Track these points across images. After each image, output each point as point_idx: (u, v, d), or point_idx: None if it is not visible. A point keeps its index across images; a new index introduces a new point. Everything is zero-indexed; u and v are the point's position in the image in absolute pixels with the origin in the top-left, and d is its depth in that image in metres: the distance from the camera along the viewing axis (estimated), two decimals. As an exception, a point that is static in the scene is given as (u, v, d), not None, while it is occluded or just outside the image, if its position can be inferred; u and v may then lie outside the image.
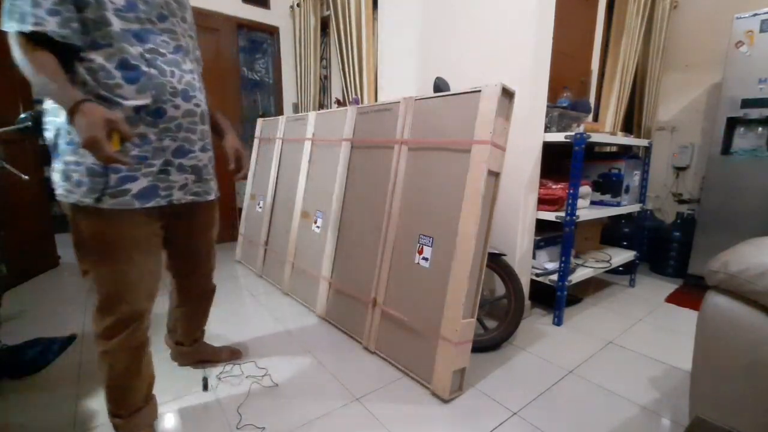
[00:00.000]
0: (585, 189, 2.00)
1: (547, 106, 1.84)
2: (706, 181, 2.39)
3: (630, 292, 2.35)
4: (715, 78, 2.60)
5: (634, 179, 2.25)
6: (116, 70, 0.86)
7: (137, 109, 0.89)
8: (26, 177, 1.55)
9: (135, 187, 0.92)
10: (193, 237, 1.21)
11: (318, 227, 2.08)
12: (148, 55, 0.90)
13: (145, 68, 0.89)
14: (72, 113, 0.75)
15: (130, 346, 1.01)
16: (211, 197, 1.16)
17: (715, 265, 0.94)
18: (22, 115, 1.24)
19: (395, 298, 1.56)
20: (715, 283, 0.94)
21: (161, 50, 0.93)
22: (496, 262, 1.65)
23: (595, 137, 1.83)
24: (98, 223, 0.91)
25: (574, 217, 1.77)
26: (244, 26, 3.47)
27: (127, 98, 0.88)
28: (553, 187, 1.88)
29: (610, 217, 2.73)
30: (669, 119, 2.92)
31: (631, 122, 3.00)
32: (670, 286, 2.45)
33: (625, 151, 2.51)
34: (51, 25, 0.79)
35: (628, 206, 2.20)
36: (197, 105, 1.01)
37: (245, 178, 1.34)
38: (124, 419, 1.04)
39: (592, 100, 2.88)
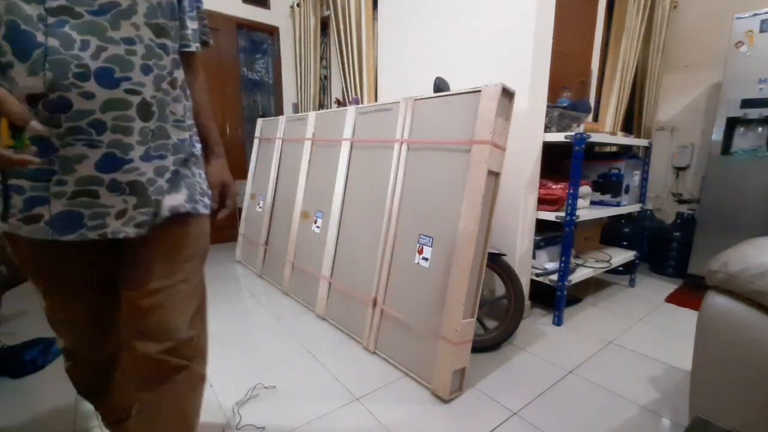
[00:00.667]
0: (585, 189, 2.00)
1: (547, 106, 1.84)
2: (706, 181, 2.39)
3: (630, 292, 2.35)
4: (715, 78, 2.60)
5: (634, 179, 2.25)
6: (4, 41, 0.59)
7: (32, 100, 0.60)
8: None
9: (46, 212, 0.65)
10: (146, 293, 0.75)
11: (318, 227, 2.08)
12: (51, 19, 0.59)
13: (41, 37, 0.59)
14: None
15: (85, 370, 0.88)
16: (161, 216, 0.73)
17: (715, 265, 0.94)
18: None
19: (395, 298, 1.56)
20: (715, 283, 0.94)
21: (76, 9, 0.61)
22: (496, 262, 1.65)
23: (595, 137, 1.84)
24: (21, 253, 0.73)
25: (574, 217, 1.77)
26: (244, 26, 3.46)
27: (17, 83, 0.59)
28: (553, 187, 1.88)
29: (610, 217, 2.73)
30: (669, 119, 2.92)
31: (631, 122, 3.00)
32: (670, 286, 2.45)
33: (625, 151, 2.51)
34: None
35: (628, 206, 2.20)
36: (132, 92, 0.65)
37: (226, 215, 0.94)
38: (109, 424, 0.99)
39: (592, 100, 2.88)
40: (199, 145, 0.84)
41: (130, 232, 0.70)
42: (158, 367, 0.78)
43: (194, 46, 0.83)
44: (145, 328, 0.76)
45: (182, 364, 0.80)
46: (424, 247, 1.47)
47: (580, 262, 2.14)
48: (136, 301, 0.75)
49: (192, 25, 0.82)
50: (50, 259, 0.73)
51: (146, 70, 0.68)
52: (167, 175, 0.73)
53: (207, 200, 0.83)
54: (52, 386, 1.39)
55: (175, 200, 0.75)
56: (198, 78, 0.88)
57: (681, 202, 2.89)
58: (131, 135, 0.67)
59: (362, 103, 2.73)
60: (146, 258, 0.76)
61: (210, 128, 0.90)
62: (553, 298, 1.88)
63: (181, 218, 0.77)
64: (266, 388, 1.38)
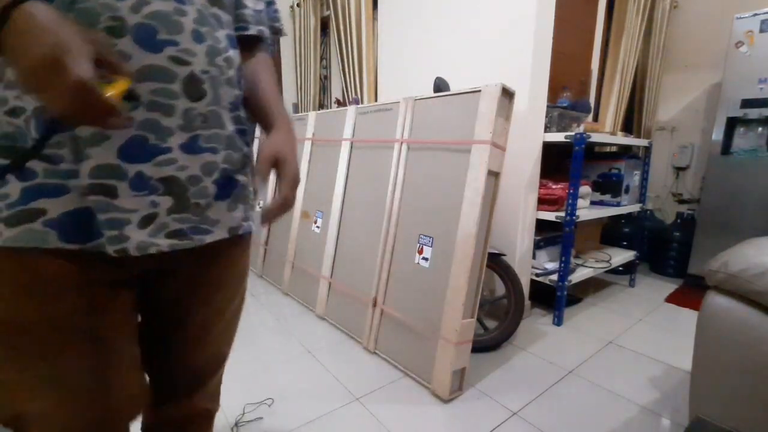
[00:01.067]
0: (585, 189, 2.00)
1: (547, 106, 1.84)
2: (706, 181, 2.39)
3: (630, 292, 2.35)
4: (715, 78, 2.60)
5: (634, 179, 2.25)
6: None
7: None
8: None
9: (53, 207, 0.45)
10: (190, 325, 0.62)
11: (318, 227, 2.08)
12: None
13: None
14: None
15: None
16: (220, 235, 0.58)
17: (715, 265, 0.94)
18: None
19: (395, 298, 1.56)
20: (715, 283, 0.94)
21: None
22: (496, 262, 1.65)
23: (595, 137, 1.84)
24: None
25: (574, 217, 1.77)
26: (244, 26, 3.46)
27: None
28: (553, 187, 1.88)
29: (610, 217, 2.73)
30: (669, 119, 2.92)
31: (631, 122, 3.00)
32: (670, 286, 2.45)
33: (625, 151, 2.51)
34: None
35: (628, 206, 2.20)
36: (179, 61, 0.48)
37: (282, 212, 0.57)
38: None
39: (592, 100, 2.88)
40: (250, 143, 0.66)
41: (162, 244, 0.51)
42: (187, 415, 0.69)
43: (255, 29, 0.63)
44: (190, 376, 0.66)
45: (207, 408, 0.72)
46: (424, 247, 1.47)
47: (580, 262, 2.14)
48: (184, 346, 0.63)
49: (253, 4, 0.64)
50: (41, 287, 0.47)
51: (198, 37, 0.51)
52: (215, 175, 0.55)
53: (253, 212, 0.67)
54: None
55: (233, 220, 0.59)
56: (263, 65, 0.67)
57: (681, 202, 2.89)
58: (172, 115, 0.49)
59: (362, 103, 2.73)
60: (193, 289, 0.60)
61: (275, 100, 0.64)
62: (553, 298, 1.88)
63: (233, 239, 0.62)
64: (266, 388, 1.38)
